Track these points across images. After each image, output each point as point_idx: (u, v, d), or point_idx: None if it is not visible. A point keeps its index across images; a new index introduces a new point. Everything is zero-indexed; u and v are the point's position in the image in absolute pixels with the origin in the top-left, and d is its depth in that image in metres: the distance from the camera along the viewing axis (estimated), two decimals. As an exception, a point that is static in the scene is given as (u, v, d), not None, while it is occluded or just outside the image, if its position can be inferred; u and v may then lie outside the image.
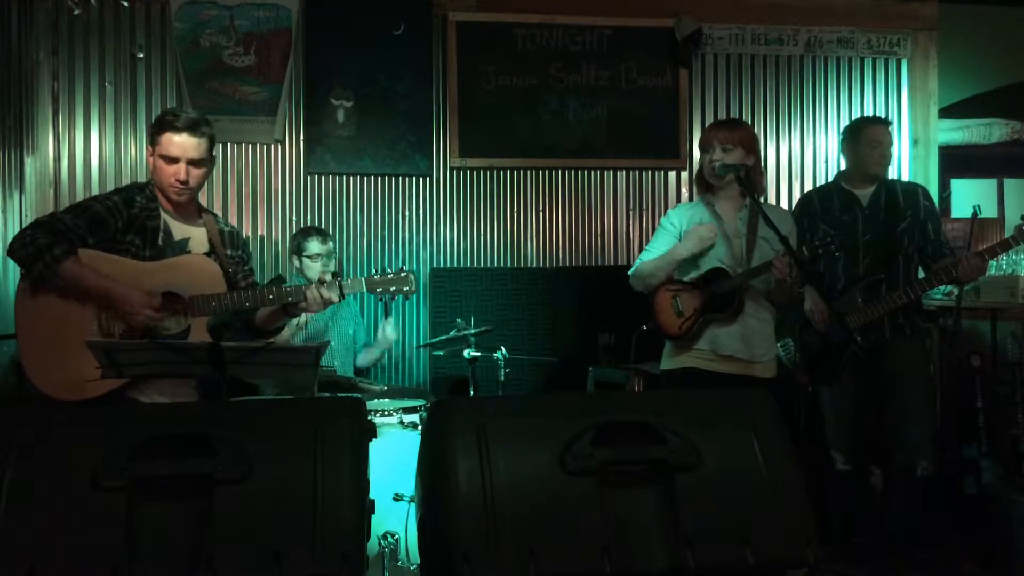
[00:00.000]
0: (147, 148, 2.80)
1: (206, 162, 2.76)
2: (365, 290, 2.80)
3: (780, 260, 2.98)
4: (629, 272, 3.33)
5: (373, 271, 2.86)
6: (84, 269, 2.58)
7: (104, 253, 2.65)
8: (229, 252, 2.88)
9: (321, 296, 2.71)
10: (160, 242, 2.73)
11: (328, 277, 2.77)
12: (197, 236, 2.82)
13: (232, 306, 2.69)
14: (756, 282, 3.13)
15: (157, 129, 2.74)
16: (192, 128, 2.70)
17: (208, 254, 2.80)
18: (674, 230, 3.26)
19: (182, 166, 2.70)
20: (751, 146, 3.21)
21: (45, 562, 1.60)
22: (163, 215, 2.76)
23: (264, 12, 4.59)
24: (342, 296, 2.75)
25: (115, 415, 1.96)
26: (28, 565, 1.58)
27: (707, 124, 3.98)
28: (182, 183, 2.71)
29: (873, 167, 3.68)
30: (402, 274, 2.82)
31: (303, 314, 3.97)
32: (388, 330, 4.17)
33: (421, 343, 4.69)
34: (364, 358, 4.28)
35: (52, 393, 2.56)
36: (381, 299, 2.83)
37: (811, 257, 3.06)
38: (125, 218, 2.68)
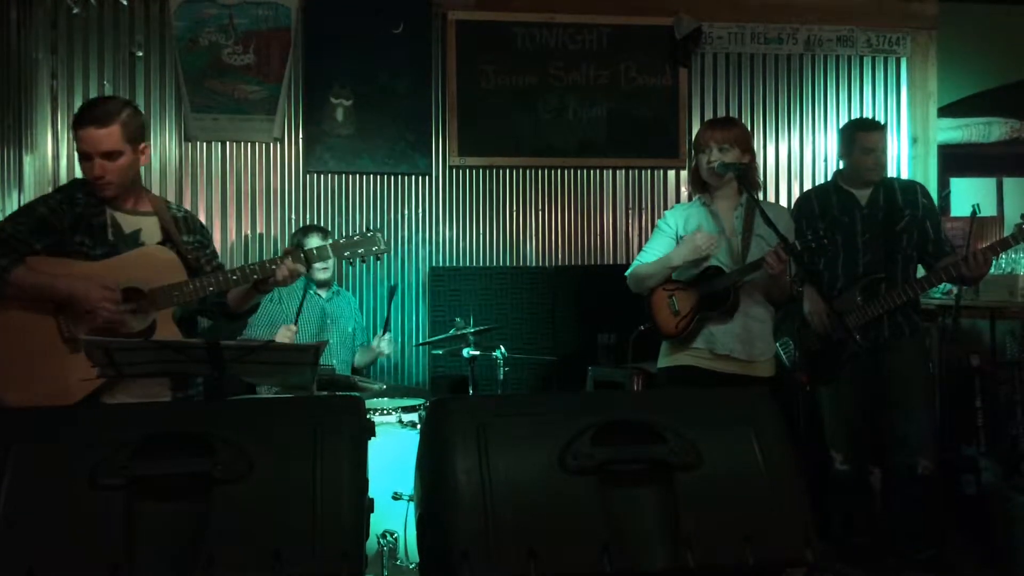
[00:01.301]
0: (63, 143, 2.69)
1: (123, 153, 2.55)
2: (331, 255, 2.67)
3: (771, 255, 2.95)
4: (626, 273, 3.33)
5: (340, 237, 2.72)
6: (35, 274, 2.48)
7: (53, 258, 2.53)
8: (186, 238, 2.74)
9: (289, 270, 2.61)
10: (111, 237, 2.60)
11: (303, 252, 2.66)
12: (149, 226, 2.68)
13: (196, 293, 2.57)
14: (753, 280, 3.13)
15: (72, 123, 2.58)
16: (98, 121, 2.51)
17: (163, 243, 2.68)
18: (670, 231, 3.26)
19: (95, 161, 2.53)
20: (747, 144, 3.23)
21: (44, 562, 1.59)
22: (108, 210, 2.62)
23: (263, 11, 4.58)
24: (307, 264, 2.65)
25: (113, 415, 1.96)
26: (27, 565, 1.58)
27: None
28: (98, 178, 2.54)
29: (866, 173, 3.66)
30: (368, 234, 2.68)
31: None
32: (383, 345, 4.13)
33: (419, 342, 4.69)
34: (360, 358, 4.27)
35: (19, 406, 2.42)
36: (351, 263, 2.71)
37: (803, 250, 3.05)
38: (70, 218, 2.56)
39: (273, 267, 2.62)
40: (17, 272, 2.47)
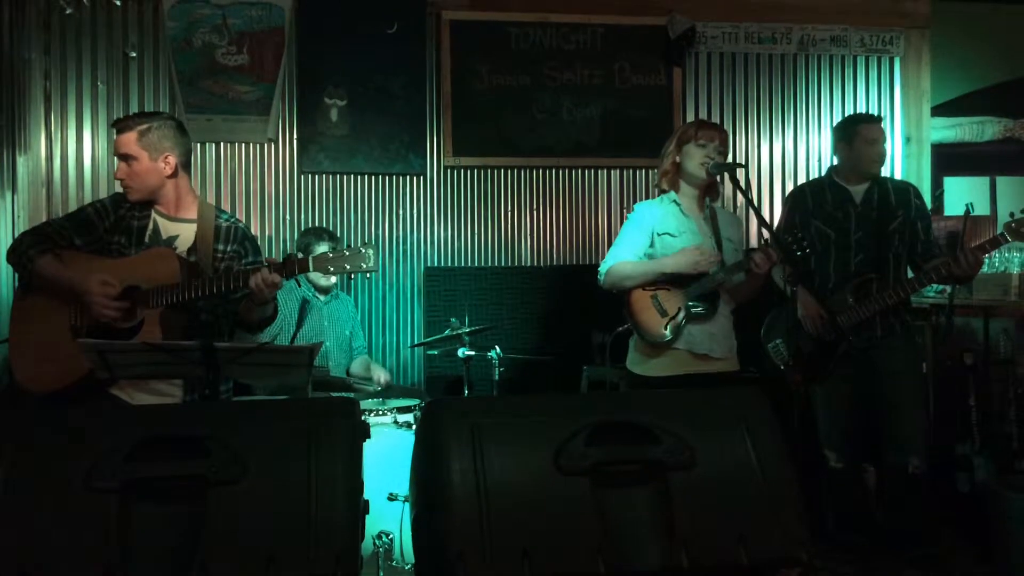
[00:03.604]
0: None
1: (138, 159, 2.73)
2: (312, 269, 2.59)
3: (760, 256, 2.98)
4: (601, 270, 3.21)
5: (330, 249, 2.62)
6: (53, 266, 2.68)
7: (82, 253, 2.73)
8: (221, 247, 2.82)
9: (263, 281, 2.56)
10: (147, 240, 2.76)
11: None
12: (186, 233, 2.80)
13: (184, 295, 2.60)
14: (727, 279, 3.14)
15: None
16: (119, 125, 2.76)
17: (192, 249, 2.78)
18: (647, 227, 3.18)
19: (119, 164, 2.76)
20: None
21: (36, 564, 1.59)
22: (154, 215, 2.80)
23: (257, 11, 4.57)
24: (287, 276, 2.59)
25: (109, 417, 1.95)
26: (19, 567, 1.58)
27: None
28: (119, 179, 2.77)
29: (870, 165, 3.68)
30: (360, 250, 2.56)
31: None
32: (380, 375, 4.10)
33: (414, 343, 4.69)
34: (356, 367, 4.24)
35: (28, 386, 2.66)
36: (333, 276, 2.66)
37: (787, 256, 3.07)
38: (112, 219, 2.77)
39: (251, 280, 2.58)
40: (42, 261, 2.67)
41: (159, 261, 2.69)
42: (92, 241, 2.75)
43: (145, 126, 2.74)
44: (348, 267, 2.57)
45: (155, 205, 2.80)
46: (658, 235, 3.17)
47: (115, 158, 2.79)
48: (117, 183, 2.79)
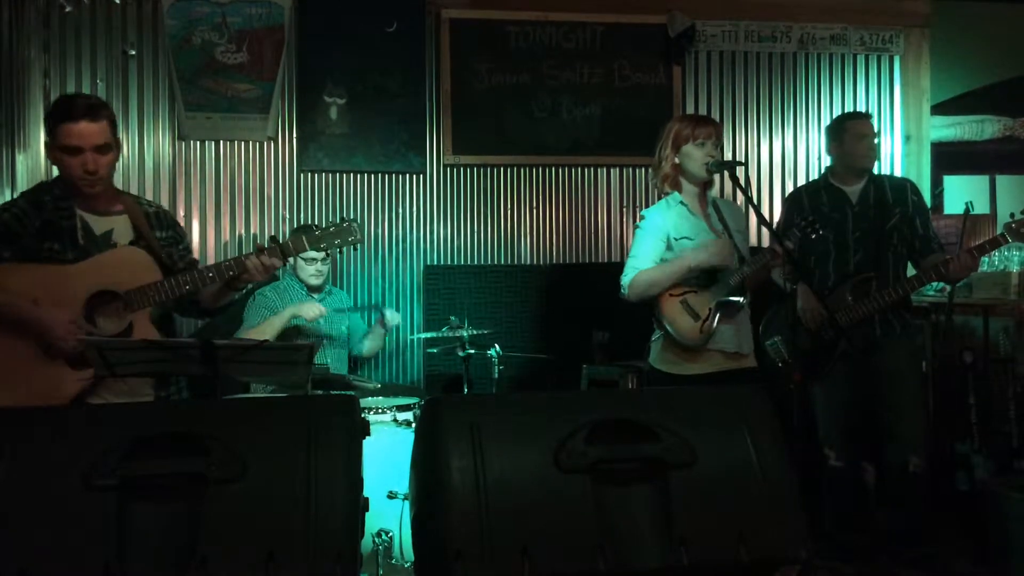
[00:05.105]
0: (45, 142, 2.57)
1: (111, 147, 2.58)
2: (307, 246, 2.62)
3: (780, 248, 2.99)
4: (624, 282, 3.16)
5: (315, 227, 2.64)
6: (5, 297, 2.45)
7: (24, 264, 2.51)
8: (159, 234, 2.72)
9: (263, 264, 2.58)
10: (81, 240, 2.58)
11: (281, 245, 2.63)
12: (120, 225, 2.66)
13: (172, 292, 2.54)
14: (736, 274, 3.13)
15: (52, 120, 2.53)
16: (90, 114, 2.51)
17: (135, 242, 2.66)
18: (660, 233, 3.15)
19: (88, 155, 2.51)
20: None
21: (35, 562, 1.59)
22: (78, 212, 2.60)
23: (256, 9, 4.57)
24: (284, 259, 2.62)
25: (107, 415, 1.95)
26: (18, 566, 1.58)
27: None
28: (91, 173, 2.53)
29: (862, 160, 3.69)
30: (344, 224, 2.64)
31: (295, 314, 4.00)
32: (389, 315, 4.10)
33: (416, 335, 4.68)
34: (370, 344, 4.23)
35: None
36: (327, 253, 2.70)
37: (801, 235, 3.08)
38: (37, 224, 2.55)
39: (248, 262, 2.58)
40: None
41: (130, 261, 2.58)
42: (18, 251, 2.51)
43: (108, 111, 2.58)
44: (338, 241, 2.64)
45: (78, 200, 2.60)
46: (675, 240, 3.14)
47: (69, 151, 2.53)
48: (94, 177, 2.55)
